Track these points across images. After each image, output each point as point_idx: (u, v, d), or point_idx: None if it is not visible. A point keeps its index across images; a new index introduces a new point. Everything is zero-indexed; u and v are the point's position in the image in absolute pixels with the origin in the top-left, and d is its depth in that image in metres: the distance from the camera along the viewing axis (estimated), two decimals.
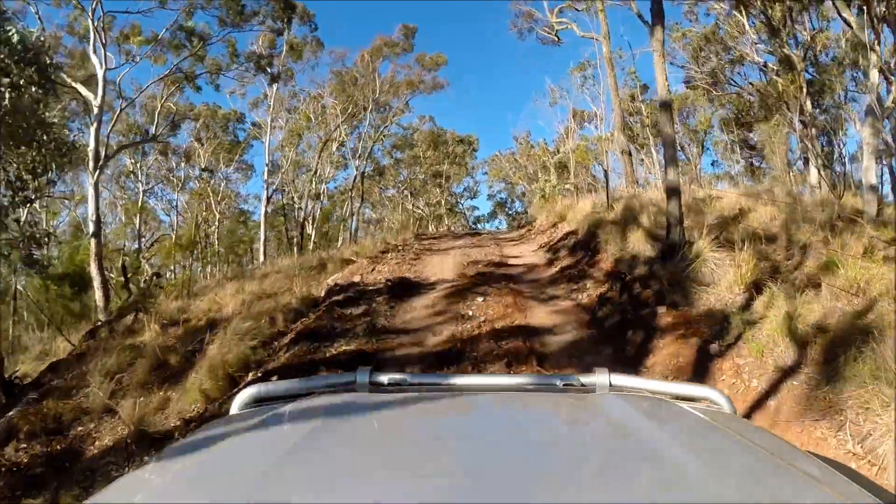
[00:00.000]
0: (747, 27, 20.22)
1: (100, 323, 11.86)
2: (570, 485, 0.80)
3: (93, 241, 14.82)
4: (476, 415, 1.26)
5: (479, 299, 8.56)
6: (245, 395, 1.35)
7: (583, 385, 1.31)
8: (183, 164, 38.87)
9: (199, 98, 44.87)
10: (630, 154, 16.19)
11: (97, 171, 15.44)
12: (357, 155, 26.67)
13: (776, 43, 16.53)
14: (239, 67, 22.90)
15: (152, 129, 36.49)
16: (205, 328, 8.91)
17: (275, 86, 31.26)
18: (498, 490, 0.76)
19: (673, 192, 8.13)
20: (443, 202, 42.64)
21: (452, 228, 34.56)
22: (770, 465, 0.93)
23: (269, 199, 31.13)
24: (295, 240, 27.08)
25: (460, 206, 47.51)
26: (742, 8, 19.61)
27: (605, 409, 1.20)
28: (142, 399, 6.56)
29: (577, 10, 19.08)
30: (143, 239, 32.89)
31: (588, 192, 15.67)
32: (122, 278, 16.87)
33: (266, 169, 32.31)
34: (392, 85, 27.24)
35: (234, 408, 1.33)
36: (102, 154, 15.71)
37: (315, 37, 30.29)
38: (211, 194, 32.44)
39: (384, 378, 1.32)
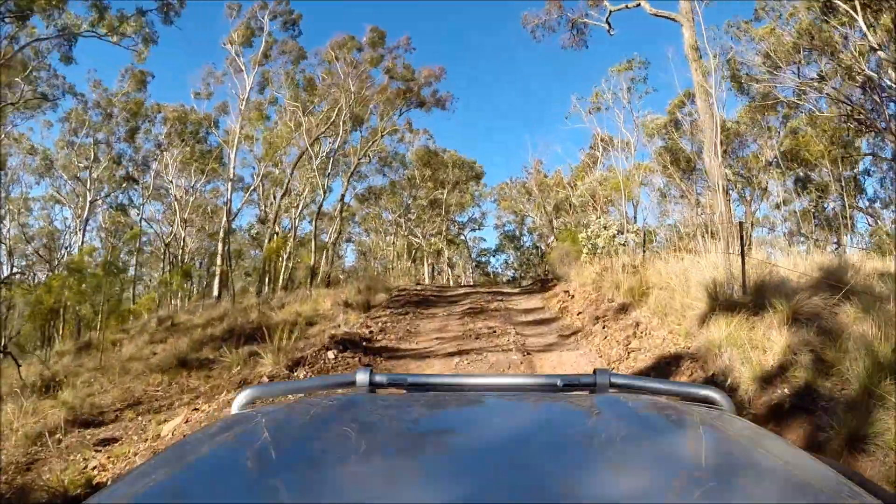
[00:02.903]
0: (862, 26, 14.83)
1: None
2: (571, 485, 0.78)
3: None
4: (476, 415, 1.20)
5: None
6: (245, 395, 1.30)
7: (583, 385, 1.29)
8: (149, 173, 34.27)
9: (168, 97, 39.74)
10: (728, 193, 10.52)
11: None
12: (327, 174, 20.99)
13: None
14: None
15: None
16: None
17: (247, 87, 26.07)
18: (498, 490, 0.75)
19: None
20: (443, 233, 37.08)
21: (449, 278, 28.82)
22: (770, 464, 0.91)
23: (229, 224, 25.33)
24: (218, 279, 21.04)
25: (464, 236, 42.29)
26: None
27: (605, 409, 1.17)
28: None
29: None
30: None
31: (675, 251, 10.06)
32: None
33: (230, 185, 26.92)
34: (381, 92, 21.74)
35: (234, 408, 1.28)
36: None
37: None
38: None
39: (384, 378, 1.31)
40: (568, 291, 11.52)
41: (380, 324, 9.78)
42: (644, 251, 10.04)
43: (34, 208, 35.47)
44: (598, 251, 10.49)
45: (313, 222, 21.55)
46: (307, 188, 26.16)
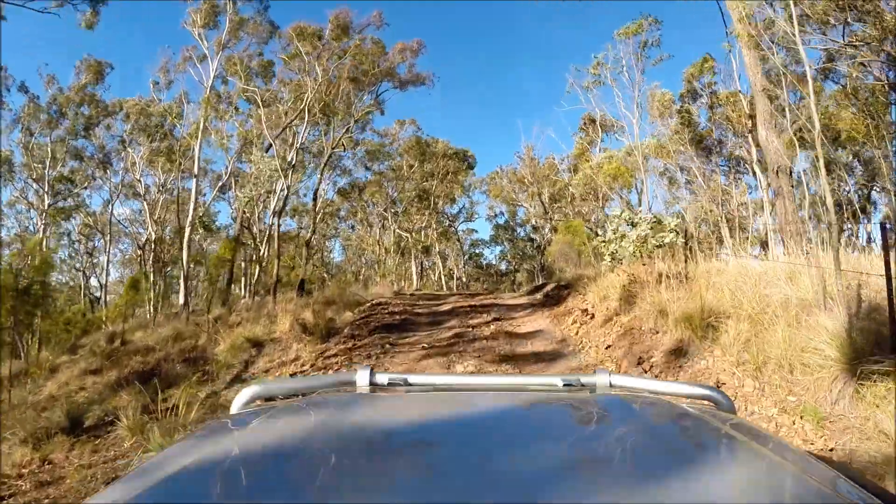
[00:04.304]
0: None
1: None
2: (571, 485, 0.78)
3: None
4: (476, 415, 1.18)
5: None
6: (245, 394, 1.29)
7: (583, 385, 1.29)
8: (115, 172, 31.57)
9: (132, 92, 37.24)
10: (790, 175, 7.97)
11: None
12: (292, 165, 18.34)
13: None
14: None
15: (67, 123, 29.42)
16: None
17: (211, 74, 23.33)
18: (498, 490, 0.74)
19: None
20: (432, 227, 34.48)
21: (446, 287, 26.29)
22: (770, 464, 0.91)
23: (193, 223, 22.57)
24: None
25: (455, 228, 39.81)
26: None
27: (606, 409, 1.17)
28: None
29: None
30: None
31: (709, 250, 7.60)
32: None
33: (194, 181, 24.24)
34: (348, 76, 19.06)
35: (234, 407, 1.27)
36: None
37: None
38: None
39: (384, 378, 1.30)
40: (587, 311, 8.72)
41: (335, 366, 7.25)
42: (688, 256, 7.53)
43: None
44: (627, 256, 7.86)
45: (274, 219, 18.81)
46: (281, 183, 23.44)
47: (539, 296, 12.77)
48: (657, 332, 6.39)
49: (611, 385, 1.26)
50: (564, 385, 1.28)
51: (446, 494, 0.72)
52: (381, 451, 0.94)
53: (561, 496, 0.73)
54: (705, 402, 1.25)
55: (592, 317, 8.38)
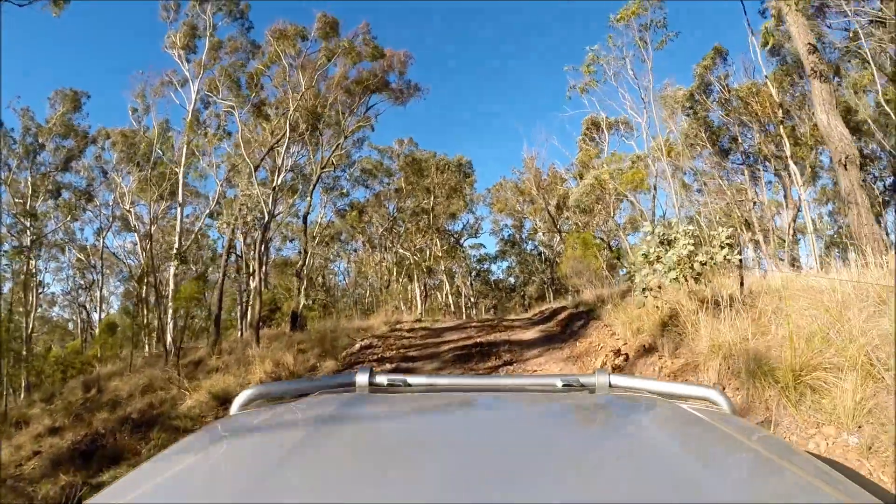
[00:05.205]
0: None
1: None
2: (571, 485, 0.78)
3: None
4: (476, 416, 1.20)
5: None
6: (245, 395, 1.29)
7: (582, 385, 1.28)
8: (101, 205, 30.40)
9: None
10: (861, 168, 6.30)
11: None
12: (273, 189, 16.89)
13: None
14: None
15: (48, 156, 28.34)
16: None
17: (193, 97, 22.18)
18: (498, 491, 0.74)
19: None
20: (437, 245, 32.95)
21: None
22: (769, 464, 0.91)
23: (178, 254, 21.19)
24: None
25: (461, 244, 38.36)
26: None
27: (605, 410, 1.18)
28: None
29: None
30: None
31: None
32: None
33: (179, 210, 23.01)
34: (337, 85, 17.63)
35: (234, 408, 1.27)
36: None
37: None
38: None
39: (384, 379, 1.29)
40: (619, 351, 7.08)
41: None
42: (742, 280, 5.86)
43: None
44: (668, 283, 6.19)
45: (253, 248, 17.32)
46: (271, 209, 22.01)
47: (554, 324, 11.13)
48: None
49: (610, 385, 1.25)
50: (564, 385, 1.27)
51: (446, 495, 0.72)
52: (380, 451, 0.92)
53: (561, 496, 0.72)
54: (705, 403, 1.23)
55: (627, 358, 6.74)
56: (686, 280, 5.99)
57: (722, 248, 5.92)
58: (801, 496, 0.78)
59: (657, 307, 6.36)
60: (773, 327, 5.33)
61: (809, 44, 7.78)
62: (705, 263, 5.93)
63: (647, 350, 6.52)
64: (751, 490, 0.80)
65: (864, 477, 0.96)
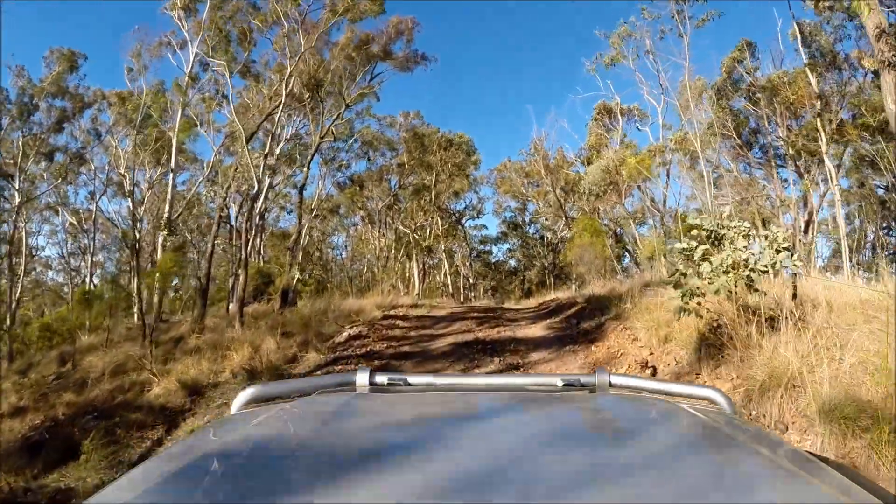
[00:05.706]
0: None
1: None
2: (571, 485, 0.77)
3: None
4: (476, 415, 1.17)
5: None
6: (244, 395, 1.27)
7: (583, 385, 1.27)
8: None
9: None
10: None
11: None
12: (264, 159, 15.90)
13: None
14: None
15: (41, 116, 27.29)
16: None
17: (190, 59, 21.06)
18: (498, 491, 0.74)
19: None
20: (437, 223, 32.00)
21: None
22: (769, 465, 0.89)
23: (168, 223, 20.19)
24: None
25: (463, 224, 37.47)
26: None
27: (605, 409, 1.15)
28: None
29: None
30: None
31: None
32: None
33: (171, 176, 22.05)
34: (342, 49, 16.49)
35: (234, 408, 1.25)
36: None
37: None
38: None
39: (384, 378, 1.28)
40: (646, 363, 6.21)
41: None
42: (795, 290, 4.91)
43: None
44: (719, 288, 5.09)
45: (245, 220, 16.37)
46: (267, 178, 20.96)
47: (562, 319, 10.25)
48: (785, 430, 3.87)
49: (611, 385, 1.24)
50: (564, 385, 1.26)
51: (447, 495, 0.71)
52: (380, 450, 0.92)
53: (560, 496, 0.72)
54: (705, 403, 1.22)
55: (655, 372, 5.88)
56: (737, 288, 5.06)
57: (778, 252, 4.99)
58: (801, 496, 0.76)
59: (700, 316, 5.44)
60: (837, 351, 4.42)
61: (878, 27, 6.82)
62: (767, 271, 5.01)
63: (678, 362, 5.64)
64: (751, 489, 0.78)
65: (864, 477, 0.90)
